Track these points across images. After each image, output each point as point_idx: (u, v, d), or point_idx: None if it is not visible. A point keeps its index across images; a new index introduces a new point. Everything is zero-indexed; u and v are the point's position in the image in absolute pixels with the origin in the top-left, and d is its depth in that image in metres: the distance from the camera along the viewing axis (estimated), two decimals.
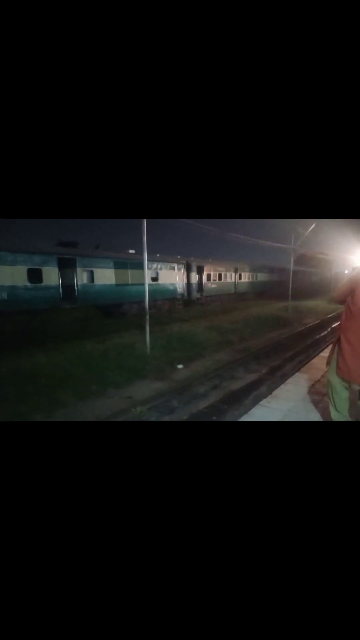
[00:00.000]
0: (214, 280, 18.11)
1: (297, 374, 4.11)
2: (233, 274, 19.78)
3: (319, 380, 3.75)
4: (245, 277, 21.13)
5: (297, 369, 4.98)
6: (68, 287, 10.97)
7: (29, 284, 9.71)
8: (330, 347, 2.44)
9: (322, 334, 11.28)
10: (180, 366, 7.24)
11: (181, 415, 5.06)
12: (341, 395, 2.28)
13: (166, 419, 4.96)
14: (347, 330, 2.21)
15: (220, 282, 18.66)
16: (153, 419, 4.91)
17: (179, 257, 16.01)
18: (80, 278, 11.18)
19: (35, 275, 9.85)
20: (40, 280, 9.98)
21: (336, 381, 2.31)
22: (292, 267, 16.90)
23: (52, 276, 10.28)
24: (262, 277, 22.98)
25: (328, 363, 2.43)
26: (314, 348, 9.25)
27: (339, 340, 2.28)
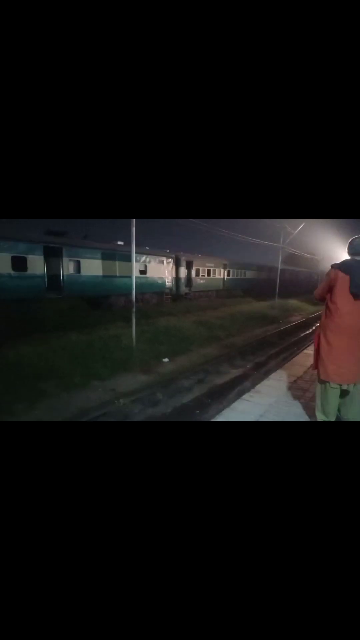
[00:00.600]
0: (202, 275, 18.12)
1: (280, 370, 4.17)
2: (222, 270, 19.83)
3: (300, 376, 3.83)
4: (234, 274, 21.23)
5: (281, 365, 5.06)
6: (54, 276, 10.75)
7: (13, 272, 9.46)
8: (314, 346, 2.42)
9: (306, 332, 11.48)
10: (165, 360, 7.25)
11: (165, 408, 5.08)
12: (326, 396, 2.28)
13: (149, 411, 4.96)
14: (325, 328, 2.21)
15: (209, 277, 18.69)
16: (136, 412, 4.91)
17: (167, 251, 15.92)
18: (67, 268, 10.97)
19: (19, 263, 9.60)
20: (24, 269, 9.74)
21: (321, 387, 2.30)
22: (280, 265, 17.08)
23: (37, 265, 10.05)
24: (250, 274, 23.14)
25: (315, 367, 2.38)
26: (299, 345, 9.42)
27: (318, 339, 2.28)
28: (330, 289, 2.17)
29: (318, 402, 2.35)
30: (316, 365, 2.32)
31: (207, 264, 18.60)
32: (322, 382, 2.27)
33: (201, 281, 18.11)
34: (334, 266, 2.15)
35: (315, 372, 2.34)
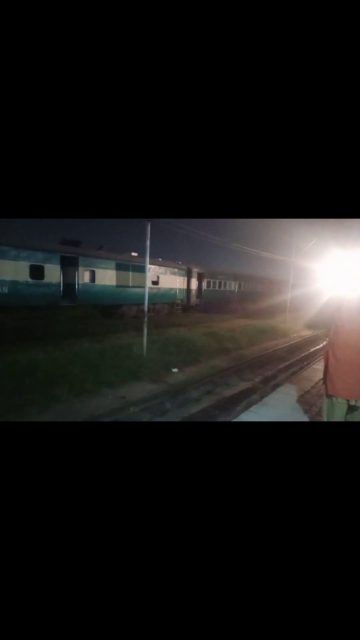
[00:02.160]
0: (213, 287, 18.27)
1: (288, 384, 4.21)
2: (233, 283, 19.97)
3: (308, 391, 3.87)
4: (245, 287, 21.33)
5: (288, 379, 5.08)
6: (69, 285, 11.07)
7: (30, 280, 9.80)
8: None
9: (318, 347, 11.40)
10: (175, 370, 7.33)
11: (173, 417, 5.14)
12: (332, 411, 2.31)
13: (158, 420, 5.04)
14: (333, 344, 2.30)
15: (219, 289, 18.83)
16: (145, 420, 4.99)
17: (179, 262, 16.17)
18: (82, 277, 11.29)
19: (37, 271, 9.95)
20: (41, 277, 10.08)
21: (328, 402, 2.35)
22: (291, 280, 17.09)
23: (53, 274, 10.39)
24: (260, 287, 23.18)
25: (324, 382, 2.44)
26: (309, 360, 9.37)
27: (327, 355, 2.35)
28: (337, 309, 2.26)
29: (324, 416, 2.41)
30: (325, 380, 2.39)
31: (219, 276, 18.77)
32: (330, 397, 2.33)
33: (212, 293, 18.24)
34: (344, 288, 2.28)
35: (324, 387, 2.41)
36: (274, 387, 5.75)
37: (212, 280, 18.15)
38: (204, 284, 17.54)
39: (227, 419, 4.91)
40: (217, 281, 18.65)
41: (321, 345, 11.72)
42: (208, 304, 17.70)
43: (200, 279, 17.28)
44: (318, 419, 2.69)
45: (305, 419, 3.03)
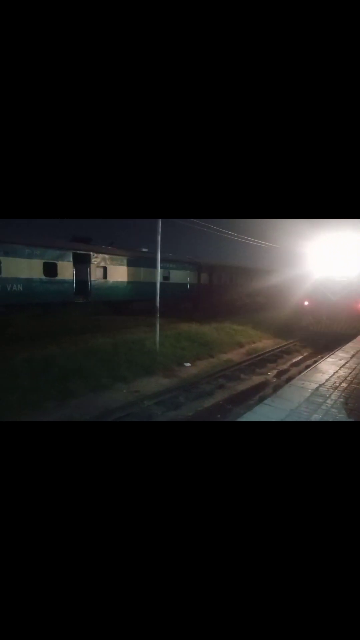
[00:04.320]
0: (224, 282, 18.09)
1: (301, 376, 4.21)
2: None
3: (323, 383, 3.86)
4: (215, 279, 18.14)
5: (303, 372, 5.07)
6: (81, 282, 11.22)
7: (44, 278, 9.99)
8: None
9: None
10: (187, 364, 7.39)
11: (187, 411, 5.21)
12: None
13: (172, 414, 5.11)
14: None
15: (232, 284, 18.65)
16: (159, 414, 5.08)
17: (189, 257, 16.11)
18: (94, 274, 11.42)
19: (50, 269, 10.13)
20: (55, 274, 10.25)
21: None
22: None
23: (66, 271, 10.54)
24: (240, 280, 19.92)
25: None
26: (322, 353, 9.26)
27: None
28: None
29: None
30: None
31: (230, 270, 18.59)
32: None
33: (221, 287, 18.06)
34: None
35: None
36: (288, 380, 5.73)
37: (222, 274, 17.82)
38: (215, 279, 17.18)
39: (241, 412, 4.95)
40: (230, 276, 18.27)
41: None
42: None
43: (210, 273, 16.82)
44: (333, 411, 2.68)
45: (321, 410, 3.03)
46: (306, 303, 10.46)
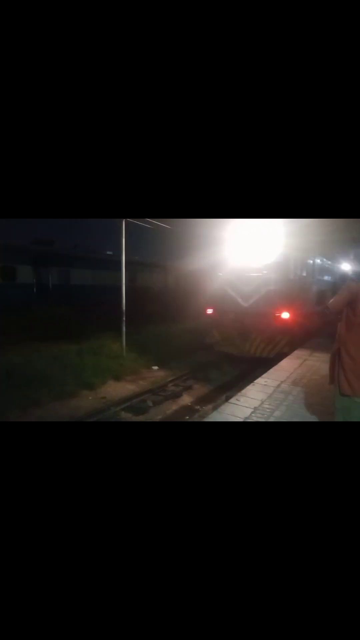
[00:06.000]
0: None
1: (265, 375, 4.37)
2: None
3: (284, 380, 4.03)
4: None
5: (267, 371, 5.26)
6: (42, 285, 10.79)
7: (0, 281, 9.48)
8: (330, 359, 2.34)
9: None
10: (155, 367, 7.37)
11: (154, 415, 5.19)
12: (349, 412, 2.15)
13: (141, 419, 5.07)
14: (347, 342, 2.16)
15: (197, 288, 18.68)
16: (127, 420, 5.01)
17: (156, 260, 16.06)
18: (56, 277, 11.04)
19: (8, 272, 9.64)
20: (14, 278, 9.77)
21: (345, 402, 2.19)
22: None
23: (26, 274, 10.09)
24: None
25: (332, 381, 2.31)
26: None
27: (339, 353, 2.20)
28: (350, 303, 2.16)
29: (339, 416, 2.25)
30: (333, 379, 2.26)
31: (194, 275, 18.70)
32: (345, 396, 2.18)
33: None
34: (355, 280, 2.13)
35: (333, 386, 2.28)
36: (252, 379, 5.92)
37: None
38: (182, 281, 17.10)
39: (208, 411, 5.02)
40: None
41: None
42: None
43: (177, 275, 16.72)
44: (295, 407, 2.82)
45: (283, 407, 3.17)
46: (209, 311, 7.26)
